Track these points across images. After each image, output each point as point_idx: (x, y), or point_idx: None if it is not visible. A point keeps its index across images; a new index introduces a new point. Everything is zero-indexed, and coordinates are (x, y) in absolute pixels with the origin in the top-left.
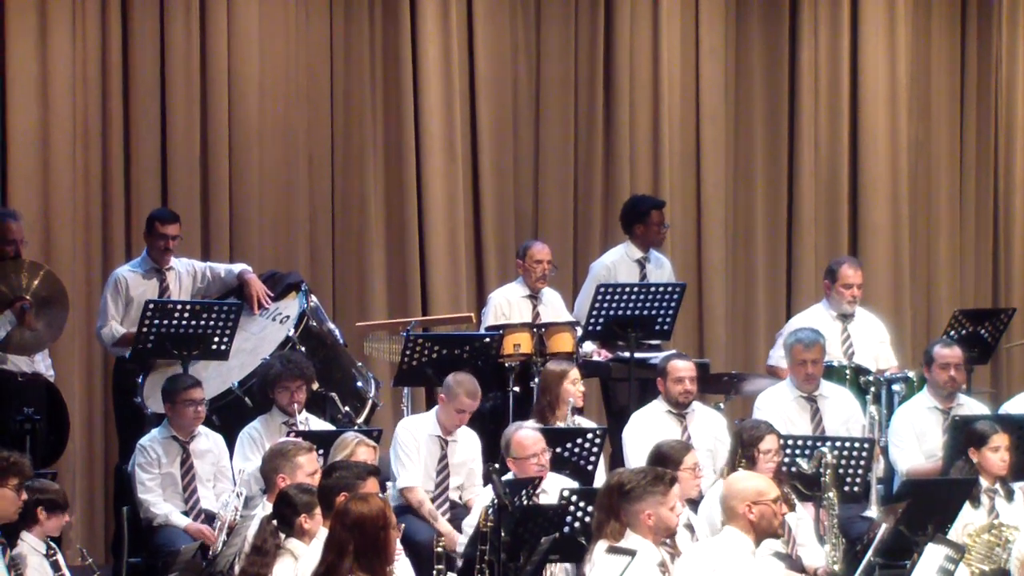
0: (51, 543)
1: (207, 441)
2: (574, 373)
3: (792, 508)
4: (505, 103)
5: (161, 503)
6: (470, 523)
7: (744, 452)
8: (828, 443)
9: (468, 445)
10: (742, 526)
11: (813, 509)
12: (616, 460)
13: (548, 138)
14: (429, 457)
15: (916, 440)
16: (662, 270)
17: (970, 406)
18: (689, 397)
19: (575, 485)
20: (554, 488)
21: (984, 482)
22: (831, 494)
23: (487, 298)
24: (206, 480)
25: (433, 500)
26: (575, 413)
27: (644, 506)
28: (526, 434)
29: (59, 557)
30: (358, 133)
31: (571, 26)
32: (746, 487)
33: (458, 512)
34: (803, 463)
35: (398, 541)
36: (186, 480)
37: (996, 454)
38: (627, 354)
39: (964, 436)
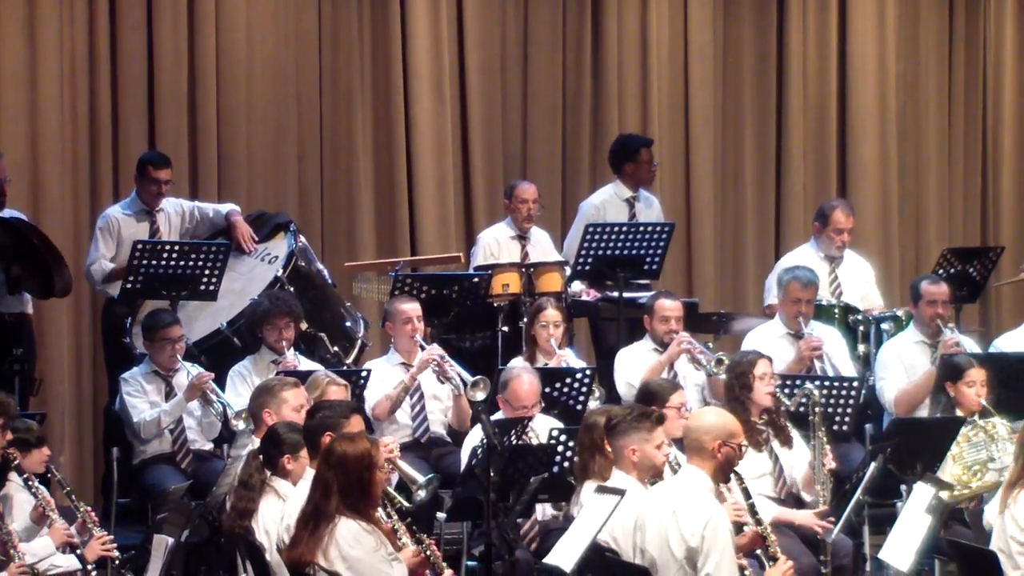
0: (38, 484)
1: (189, 376)
2: (547, 315)
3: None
4: (493, 42)
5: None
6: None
7: (740, 383)
8: (816, 381)
9: None
10: (705, 463)
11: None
12: (607, 400)
13: (536, 77)
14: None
15: (904, 373)
16: (651, 209)
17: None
18: (674, 337)
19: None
20: (543, 428)
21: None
22: (820, 433)
23: (476, 238)
24: (192, 410)
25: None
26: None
27: (629, 441)
28: (525, 383)
29: (47, 495)
30: (346, 73)
31: None
32: (720, 423)
33: (448, 450)
34: (786, 400)
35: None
36: None
37: (971, 389)
38: (616, 294)
39: (943, 370)
